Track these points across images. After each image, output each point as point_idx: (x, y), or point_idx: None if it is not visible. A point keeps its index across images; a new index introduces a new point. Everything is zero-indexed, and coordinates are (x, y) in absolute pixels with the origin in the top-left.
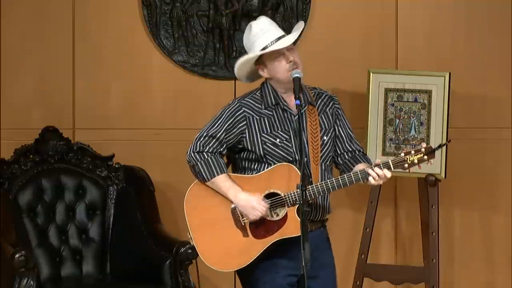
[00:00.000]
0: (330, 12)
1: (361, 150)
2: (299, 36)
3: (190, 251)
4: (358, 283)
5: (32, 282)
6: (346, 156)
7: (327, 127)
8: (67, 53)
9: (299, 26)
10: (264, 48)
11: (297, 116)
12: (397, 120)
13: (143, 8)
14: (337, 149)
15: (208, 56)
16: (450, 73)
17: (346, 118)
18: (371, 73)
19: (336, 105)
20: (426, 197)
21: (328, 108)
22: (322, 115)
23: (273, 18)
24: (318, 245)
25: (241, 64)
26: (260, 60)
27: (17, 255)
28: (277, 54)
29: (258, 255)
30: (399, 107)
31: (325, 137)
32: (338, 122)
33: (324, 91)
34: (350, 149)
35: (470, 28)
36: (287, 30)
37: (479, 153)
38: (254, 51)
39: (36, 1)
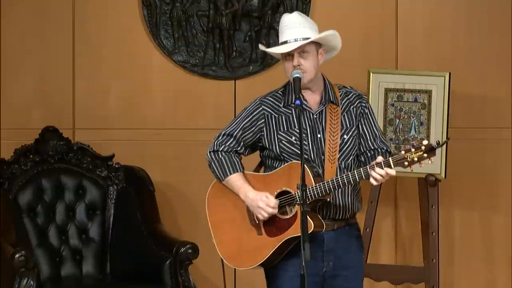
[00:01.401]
0: (330, 12)
1: (385, 149)
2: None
3: (190, 251)
4: None
5: (32, 282)
6: (368, 154)
7: (348, 125)
8: (67, 53)
9: (326, 32)
10: (276, 45)
11: (315, 115)
12: (397, 120)
13: (143, 8)
14: (361, 148)
15: (208, 56)
16: (450, 73)
17: (374, 117)
18: (371, 73)
19: (363, 104)
20: (426, 197)
21: (353, 107)
22: (345, 114)
23: (273, 18)
24: (341, 244)
25: (269, 51)
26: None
27: (17, 255)
28: (287, 54)
29: (271, 253)
30: (399, 107)
31: (345, 136)
32: (362, 120)
33: (353, 90)
34: (373, 148)
35: (470, 28)
36: None
37: (479, 153)
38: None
39: (36, 1)
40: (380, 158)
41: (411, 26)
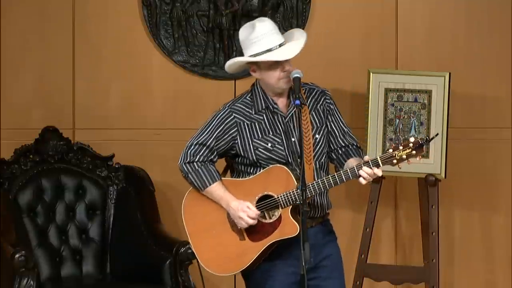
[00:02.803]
0: (330, 12)
1: (355, 144)
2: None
3: (190, 251)
4: (358, 283)
5: (32, 282)
6: (340, 151)
7: (318, 124)
8: (67, 53)
9: (300, 36)
10: (261, 53)
11: (287, 118)
12: (397, 120)
13: (143, 8)
14: (331, 145)
15: (208, 56)
16: (450, 73)
17: (339, 112)
18: (371, 73)
19: (327, 101)
20: (426, 197)
21: (319, 105)
22: (313, 113)
23: (273, 18)
24: (319, 239)
25: (234, 63)
26: (255, 62)
27: (17, 255)
28: (274, 62)
29: (256, 257)
30: (399, 107)
31: (317, 135)
32: (330, 118)
33: (316, 86)
34: (343, 144)
35: (470, 28)
36: (287, 30)
37: (479, 153)
38: (252, 51)
39: (36, 1)
40: (367, 157)
41: (411, 26)
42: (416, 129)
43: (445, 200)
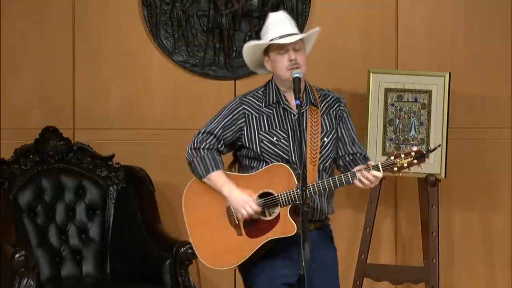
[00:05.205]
0: (330, 12)
1: (363, 154)
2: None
3: (190, 251)
4: (358, 283)
5: (32, 282)
6: (347, 159)
7: (328, 128)
8: (67, 53)
9: (313, 31)
10: (271, 40)
11: (297, 115)
12: (397, 120)
13: (143, 8)
14: (339, 151)
15: (208, 56)
16: (450, 73)
17: (351, 121)
18: (371, 73)
19: (341, 107)
20: (426, 197)
21: (332, 110)
22: (325, 116)
23: None
24: (317, 245)
25: (248, 49)
26: (267, 52)
27: (17, 255)
28: (282, 49)
29: (251, 254)
30: (399, 107)
31: (325, 139)
32: (341, 124)
33: (332, 93)
34: (351, 152)
35: (470, 28)
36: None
37: (479, 153)
38: (264, 39)
39: (36, 1)
40: (369, 163)
41: (411, 26)
42: (416, 129)
43: (445, 200)
